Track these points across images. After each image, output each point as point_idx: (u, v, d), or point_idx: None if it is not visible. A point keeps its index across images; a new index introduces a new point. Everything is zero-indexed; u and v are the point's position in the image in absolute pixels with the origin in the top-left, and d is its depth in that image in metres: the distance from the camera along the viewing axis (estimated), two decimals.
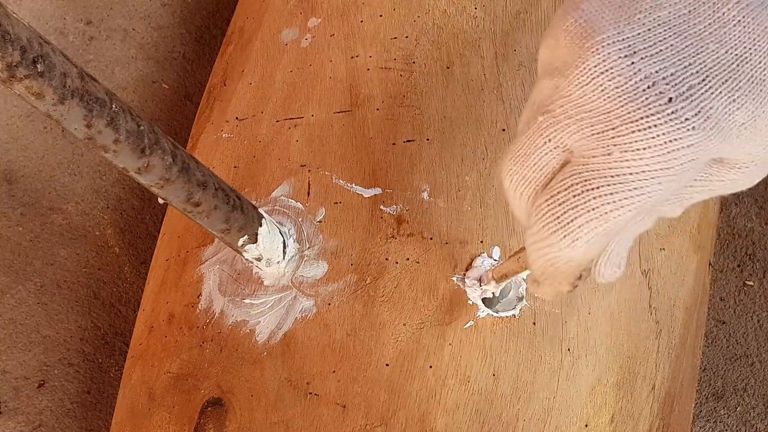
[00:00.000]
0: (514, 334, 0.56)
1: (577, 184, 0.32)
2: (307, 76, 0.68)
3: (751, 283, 0.97)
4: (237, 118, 0.69)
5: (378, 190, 0.61)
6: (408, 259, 0.58)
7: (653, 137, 0.30)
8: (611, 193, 0.31)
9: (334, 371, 0.55)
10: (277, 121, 0.67)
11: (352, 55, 0.67)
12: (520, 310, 0.57)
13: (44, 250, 0.98)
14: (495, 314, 0.56)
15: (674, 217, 0.36)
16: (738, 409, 0.92)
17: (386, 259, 0.58)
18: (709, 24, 0.30)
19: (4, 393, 0.91)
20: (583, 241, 0.32)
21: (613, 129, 0.30)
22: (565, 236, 0.33)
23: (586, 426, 0.56)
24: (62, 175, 1.03)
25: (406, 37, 0.67)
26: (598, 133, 0.31)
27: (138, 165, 0.43)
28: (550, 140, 0.33)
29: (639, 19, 0.30)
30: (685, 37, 0.30)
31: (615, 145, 0.31)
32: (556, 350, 0.57)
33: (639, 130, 0.30)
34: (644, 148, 0.30)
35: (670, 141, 0.30)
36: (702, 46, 0.30)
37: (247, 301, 0.59)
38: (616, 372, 0.58)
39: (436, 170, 0.61)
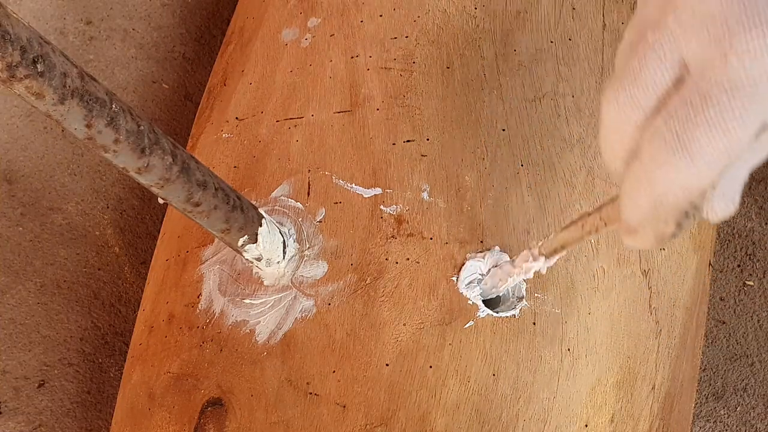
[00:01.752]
0: (514, 334, 0.56)
1: (696, 97, 0.30)
2: (307, 76, 0.68)
3: (751, 283, 0.97)
4: (237, 118, 0.69)
5: (378, 190, 0.61)
6: (408, 259, 0.58)
7: None
8: (731, 102, 0.29)
9: (334, 371, 0.55)
10: (277, 121, 0.67)
11: (352, 55, 0.67)
12: (520, 310, 0.57)
13: (44, 250, 0.98)
14: (495, 314, 0.56)
15: None
16: (738, 409, 0.92)
17: (386, 259, 0.58)
18: None
19: (4, 393, 0.91)
20: (705, 159, 0.30)
21: (731, 33, 0.29)
22: (684, 154, 0.31)
23: (586, 426, 0.56)
24: (62, 175, 1.03)
25: (406, 37, 0.67)
26: (715, 40, 0.29)
27: (138, 165, 0.43)
28: (665, 55, 0.31)
29: None
30: None
31: (732, 50, 0.29)
32: (556, 350, 0.57)
33: (757, 32, 0.28)
34: (763, 51, 0.28)
35: None
36: None
37: (247, 301, 0.59)
38: (616, 372, 0.58)
39: (436, 170, 0.61)
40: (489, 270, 0.58)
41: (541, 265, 0.51)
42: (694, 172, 0.31)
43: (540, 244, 0.50)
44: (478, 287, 0.57)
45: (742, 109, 0.29)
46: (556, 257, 0.50)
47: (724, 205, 0.33)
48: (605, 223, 0.42)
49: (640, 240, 0.35)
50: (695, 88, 0.30)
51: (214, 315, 0.60)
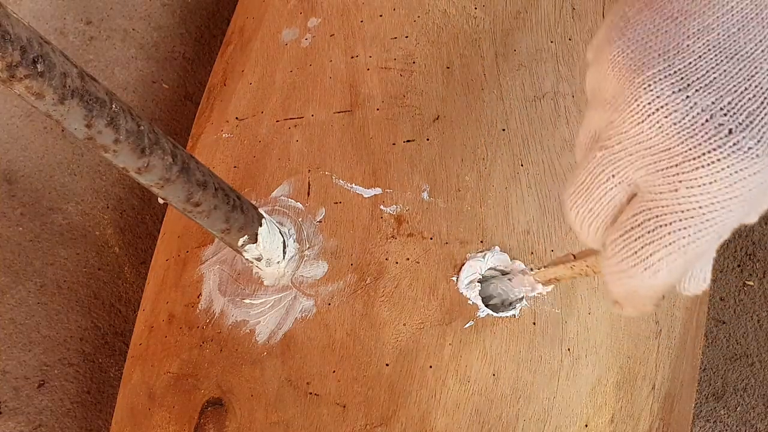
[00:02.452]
0: (514, 334, 0.56)
1: (649, 220, 0.31)
2: (307, 76, 0.68)
3: (751, 283, 0.97)
4: (237, 118, 0.69)
5: (378, 190, 0.61)
6: (408, 259, 0.58)
7: (718, 171, 0.29)
8: (685, 228, 0.31)
9: (334, 371, 0.55)
10: (277, 121, 0.67)
11: (352, 55, 0.67)
12: (520, 310, 0.57)
13: (44, 250, 0.98)
14: (495, 314, 0.56)
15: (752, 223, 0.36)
16: (738, 409, 0.92)
17: (386, 259, 0.58)
18: (760, 41, 0.30)
19: (4, 393, 0.91)
20: (664, 272, 0.32)
21: (677, 166, 0.30)
22: (645, 269, 0.32)
23: (586, 426, 0.56)
24: (62, 175, 1.03)
25: (406, 37, 0.67)
26: (662, 170, 0.31)
27: (138, 165, 0.43)
28: (613, 176, 0.33)
29: (688, 46, 0.30)
30: (738, 60, 0.29)
31: (680, 182, 0.30)
32: (556, 350, 0.57)
33: (703, 166, 0.29)
34: (710, 182, 0.29)
35: (736, 172, 0.29)
36: (755, 67, 0.29)
37: (247, 301, 0.59)
38: (616, 372, 0.58)
39: (436, 170, 0.61)
40: (490, 272, 0.58)
41: (540, 290, 0.55)
42: (658, 281, 0.33)
43: (534, 272, 0.52)
44: (479, 286, 0.57)
45: (696, 232, 0.31)
46: (551, 287, 0.53)
47: (695, 286, 0.36)
48: (593, 271, 0.44)
49: (624, 312, 0.37)
50: (647, 211, 0.32)
51: (214, 315, 0.60)
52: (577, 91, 0.65)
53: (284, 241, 0.59)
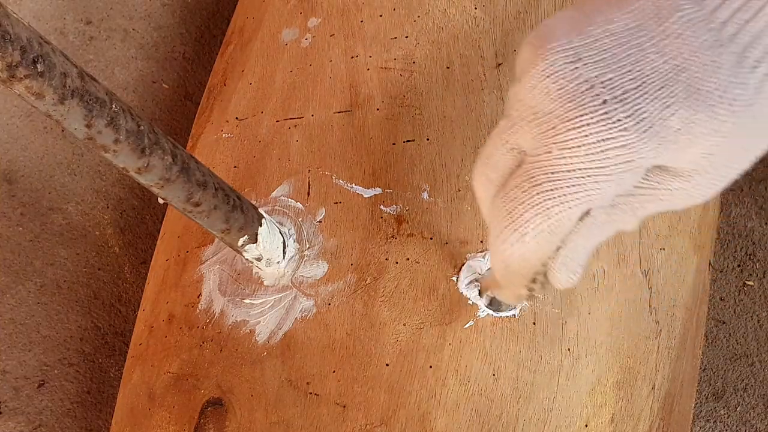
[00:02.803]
0: (514, 334, 0.56)
1: (524, 181, 0.34)
2: (307, 76, 0.68)
3: (751, 283, 0.97)
4: (237, 118, 0.69)
5: (378, 190, 0.61)
6: (408, 259, 0.58)
7: (586, 135, 0.32)
8: (552, 189, 0.33)
9: (334, 371, 0.55)
10: (277, 121, 0.67)
11: (352, 55, 0.67)
12: (520, 310, 0.57)
13: (44, 250, 0.98)
14: (495, 314, 0.56)
15: (631, 230, 0.38)
16: (738, 409, 0.92)
17: (386, 259, 0.58)
18: (652, 36, 0.32)
19: (4, 393, 0.91)
20: (530, 236, 0.34)
21: (554, 128, 0.33)
22: (514, 231, 0.35)
23: (586, 426, 0.56)
24: (62, 175, 1.03)
25: (406, 37, 0.67)
26: (542, 133, 0.33)
27: (138, 165, 0.43)
28: (507, 142, 0.35)
29: (589, 30, 0.33)
30: (629, 48, 0.32)
31: (554, 144, 0.33)
32: (556, 350, 0.57)
33: (574, 129, 0.32)
34: (579, 146, 0.32)
35: (603, 140, 0.32)
36: (642, 56, 0.32)
37: (247, 301, 0.59)
38: (616, 372, 0.58)
39: (436, 170, 0.61)
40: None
41: (483, 300, 0.56)
42: (525, 247, 0.35)
43: (481, 278, 0.54)
44: (479, 286, 0.57)
45: (562, 195, 0.33)
46: (489, 295, 0.54)
47: (565, 275, 0.38)
48: None
49: (503, 294, 0.40)
50: (525, 173, 0.34)
51: (214, 315, 0.60)
52: None
53: (284, 241, 0.59)
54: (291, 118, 0.66)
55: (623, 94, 0.31)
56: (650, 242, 0.62)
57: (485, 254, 0.58)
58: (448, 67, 0.65)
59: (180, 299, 0.63)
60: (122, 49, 1.11)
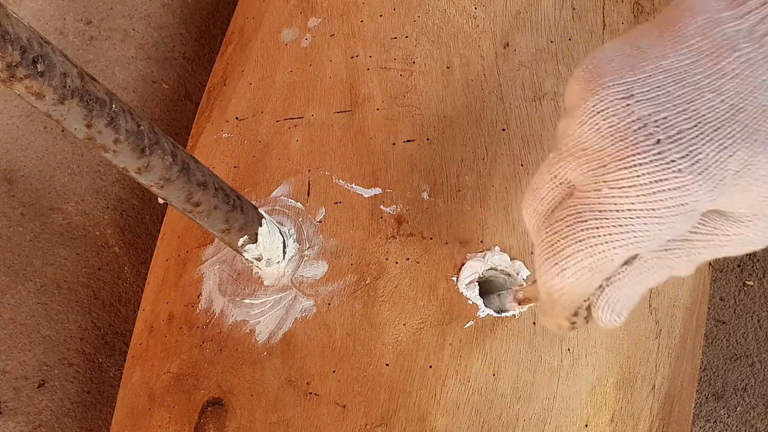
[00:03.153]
0: (514, 334, 0.56)
1: (570, 216, 0.33)
2: (307, 76, 0.68)
3: (751, 283, 0.97)
4: (237, 118, 0.69)
5: (378, 190, 0.61)
6: (408, 259, 0.58)
7: (638, 176, 0.31)
8: (597, 227, 0.32)
9: (334, 371, 0.55)
10: (277, 121, 0.67)
11: (352, 55, 0.67)
12: (520, 310, 0.57)
13: (44, 250, 0.98)
14: (495, 314, 0.56)
15: (686, 276, 0.37)
16: (738, 409, 0.92)
17: (386, 259, 0.58)
18: (708, 75, 0.31)
19: (4, 393, 0.91)
20: (570, 272, 0.34)
21: (604, 166, 0.32)
22: (555, 264, 0.34)
23: (586, 426, 0.56)
24: (62, 175, 1.03)
25: (406, 37, 0.67)
26: (592, 170, 0.32)
27: (138, 165, 0.43)
28: (555, 176, 0.35)
29: (642, 66, 0.32)
30: (683, 85, 0.31)
31: (605, 182, 0.32)
32: (556, 350, 0.57)
33: (625, 168, 0.31)
34: (630, 186, 0.31)
35: (655, 181, 0.30)
36: (698, 94, 0.31)
37: (247, 301, 0.59)
38: (616, 372, 0.58)
39: (436, 170, 0.61)
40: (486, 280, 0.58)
41: (516, 311, 0.55)
42: (564, 281, 0.34)
43: (517, 290, 0.53)
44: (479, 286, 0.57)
45: (607, 235, 0.32)
46: (527, 306, 0.54)
47: (609, 315, 0.36)
48: None
49: (546, 322, 0.39)
50: (572, 207, 0.34)
51: (214, 315, 0.60)
52: None
53: (284, 241, 0.59)
54: (291, 118, 0.66)
55: (678, 134, 0.30)
56: None
57: (485, 254, 0.58)
58: (448, 67, 0.65)
59: (180, 299, 0.63)
60: (122, 49, 1.11)
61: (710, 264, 0.71)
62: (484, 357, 0.55)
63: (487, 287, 0.58)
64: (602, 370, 0.58)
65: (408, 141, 0.62)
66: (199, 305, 0.61)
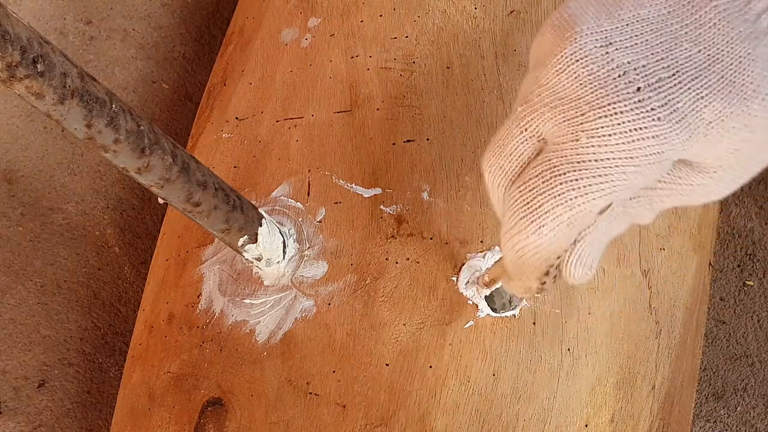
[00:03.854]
0: (514, 334, 0.56)
1: (546, 170, 0.32)
2: (307, 76, 0.68)
3: (751, 283, 0.97)
4: (237, 118, 0.69)
5: (378, 190, 0.61)
6: (408, 259, 0.58)
7: (619, 123, 0.30)
8: (576, 179, 0.31)
9: (334, 371, 0.55)
10: (277, 121, 0.67)
11: (352, 55, 0.67)
12: (520, 310, 0.57)
13: (44, 250, 0.98)
14: (495, 314, 0.56)
15: (646, 224, 0.36)
16: (738, 409, 0.92)
17: (386, 259, 0.58)
18: (686, 24, 0.31)
19: (4, 393, 0.91)
20: (548, 228, 0.33)
21: (583, 115, 0.31)
22: (532, 222, 0.33)
23: (586, 426, 0.56)
24: (62, 175, 1.03)
25: (406, 37, 0.67)
26: (569, 120, 0.32)
27: (138, 165, 0.43)
28: (526, 129, 0.34)
29: (619, 14, 0.31)
30: (661, 34, 0.31)
31: (583, 131, 0.31)
32: (556, 350, 0.57)
33: (606, 116, 0.30)
34: (610, 135, 0.31)
35: (635, 129, 0.30)
36: (676, 44, 0.31)
37: (247, 301, 0.59)
38: (616, 372, 0.58)
39: (436, 170, 0.61)
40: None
41: (483, 293, 0.55)
42: (542, 239, 0.33)
43: (483, 274, 0.53)
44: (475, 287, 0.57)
45: (586, 186, 0.31)
46: (493, 287, 0.53)
47: (581, 270, 0.36)
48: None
49: (513, 287, 0.38)
50: (547, 161, 0.32)
51: (214, 315, 0.60)
52: None
53: (284, 241, 0.59)
54: (291, 118, 0.66)
55: (657, 82, 0.30)
56: (650, 242, 0.62)
57: (485, 254, 0.58)
58: (448, 67, 0.65)
59: (180, 299, 0.63)
60: (122, 49, 1.11)
61: (710, 264, 0.71)
62: (484, 357, 0.55)
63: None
64: (602, 370, 0.58)
65: (408, 141, 0.62)
66: (199, 305, 0.61)
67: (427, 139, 0.62)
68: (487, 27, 0.67)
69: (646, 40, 0.31)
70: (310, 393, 0.55)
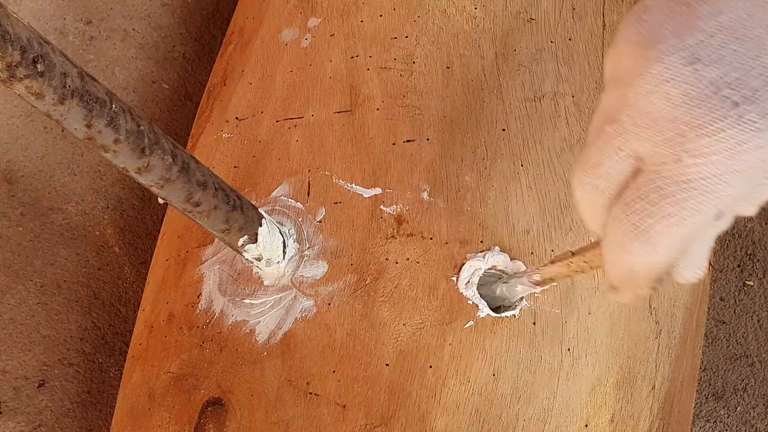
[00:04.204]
0: (514, 334, 0.56)
1: (651, 192, 0.32)
2: (307, 76, 0.68)
3: (751, 283, 0.97)
4: (237, 118, 0.69)
5: (378, 190, 0.61)
6: (408, 259, 0.58)
7: (722, 141, 0.30)
8: (686, 199, 0.32)
9: (334, 371, 0.55)
10: (277, 121, 0.67)
11: (352, 55, 0.67)
12: (520, 310, 0.57)
13: (44, 250, 0.98)
14: (495, 314, 0.56)
15: (750, 215, 0.36)
16: (738, 409, 0.92)
17: (386, 259, 0.58)
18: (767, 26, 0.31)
19: (4, 393, 0.91)
20: (662, 247, 0.33)
21: (682, 135, 0.31)
22: (645, 242, 0.33)
23: (586, 426, 0.56)
24: (62, 175, 1.03)
25: (406, 37, 0.67)
26: (667, 140, 0.32)
27: (138, 165, 0.43)
28: (620, 149, 0.33)
29: (699, 25, 0.31)
30: (745, 41, 0.31)
31: (685, 152, 0.31)
32: (556, 350, 0.57)
33: (707, 136, 0.30)
34: (713, 153, 0.31)
35: (739, 144, 0.30)
36: (762, 49, 0.31)
37: (247, 301, 0.59)
38: (616, 372, 0.58)
39: (436, 170, 0.61)
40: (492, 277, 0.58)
41: (534, 290, 0.54)
42: (656, 257, 0.33)
43: (530, 273, 0.52)
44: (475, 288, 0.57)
45: (696, 204, 0.32)
46: (547, 287, 0.52)
47: (692, 272, 0.36)
48: (590, 267, 0.45)
49: (620, 297, 0.38)
50: (651, 183, 0.32)
51: (214, 315, 0.60)
52: (577, 91, 0.65)
53: (284, 241, 0.59)
54: (291, 118, 0.66)
55: (753, 94, 0.30)
56: None
57: (485, 254, 0.58)
58: (448, 67, 0.65)
59: (180, 299, 0.63)
60: (122, 49, 1.11)
61: (710, 264, 0.71)
62: (484, 357, 0.55)
63: (487, 287, 0.58)
64: (602, 370, 0.58)
65: (408, 141, 0.62)
66: (199, 305, 0.61)
67: (427, 139, 0.62)
68: (487, 27, 0.67)
69: (733, 50, 0.31)
70: (310, 393, 0.55)
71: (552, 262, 0.48)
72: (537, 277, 0.51)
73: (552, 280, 0.50)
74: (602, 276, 0.60)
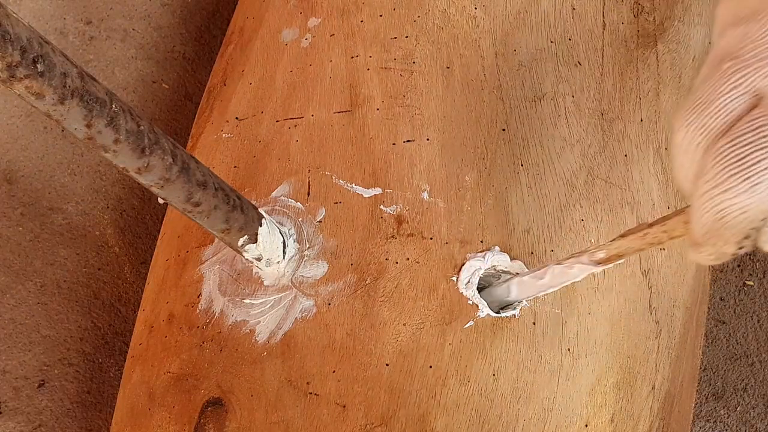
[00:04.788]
0: (514, 334, 0.56)
1: (765, 124, 0.31)
2: (307, 76, 0.68)
3: (751, 283, 0.97)
4: (237, 118, 0.69)
5: (378, 190, 0.61)
6: (408, 259, 0.58)
7: None
8: None
9: (334, 371, 0.55)
10: (277, 121, 0.67)
11: (352, 55, 0.67)
12: (520, 310, 0.57)
13: (44, 250, 0.98)
14: (495, 314, 0.56)
15: None
16: (738, 409, 0.92)
17: (386, 259, 0.58)
18: None
19: (4, 393, 0.91)
20: (764, 185, 0.31)
21: None
22: (746, 179, 0.31)
23: (586, 426, 0.56)
24: (62, 175, 1.03)
25: (406, 37, 0.67)
26: None
27: (138, 165, 0.43)
28: (738, 85, 0.32)
29: None
30: None
31: None
32: (556, 350, 0.57)
33: None
34: None
35: None
36: None
37: (247, 301, 0.59)
38: (616, 372, 0.58)
39: (436, 170, 0.61)
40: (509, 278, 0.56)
41: (594, 270, 0.50)
42: (754, 197, 0.31)
43: (591, 251, 0.49)
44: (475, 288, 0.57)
45: None
46: (611, 265, 0.49)
47: None
48: (669, 237, 0.42)
49: (702, 254, 0.36)
50: (766, 116, 0.31)
51: (214, 315, 0.60)
52: (577, 91, 0.65)
53: (284, 241, 0.59)
54: (291, 118, 0.66)
55: None
56: None
57: (485, 254, 0.58)
58: (448, 67, 0.65)
59: (180, 299, 0.63)
60: (122, 49, 1.11)
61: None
62: (484, 357, 0.55)
63: (487, 287, 0.58)
64: (602, 370, 0.58)
65: (408, 141, 0.62)
66: (199, 305, 0.61)
67: (427, 139, 0.62)
68: (487, 27, 0.67)
69: None
70: (310, 393, 0.55)
71: (623, 236, 0.46)
72: (601, 255, 0.48)
73: (620, 256, 0.47)
74: (603, 276, 0.60)
